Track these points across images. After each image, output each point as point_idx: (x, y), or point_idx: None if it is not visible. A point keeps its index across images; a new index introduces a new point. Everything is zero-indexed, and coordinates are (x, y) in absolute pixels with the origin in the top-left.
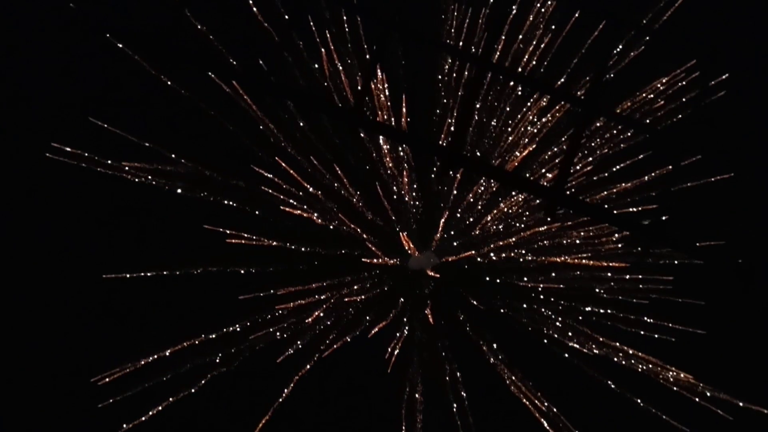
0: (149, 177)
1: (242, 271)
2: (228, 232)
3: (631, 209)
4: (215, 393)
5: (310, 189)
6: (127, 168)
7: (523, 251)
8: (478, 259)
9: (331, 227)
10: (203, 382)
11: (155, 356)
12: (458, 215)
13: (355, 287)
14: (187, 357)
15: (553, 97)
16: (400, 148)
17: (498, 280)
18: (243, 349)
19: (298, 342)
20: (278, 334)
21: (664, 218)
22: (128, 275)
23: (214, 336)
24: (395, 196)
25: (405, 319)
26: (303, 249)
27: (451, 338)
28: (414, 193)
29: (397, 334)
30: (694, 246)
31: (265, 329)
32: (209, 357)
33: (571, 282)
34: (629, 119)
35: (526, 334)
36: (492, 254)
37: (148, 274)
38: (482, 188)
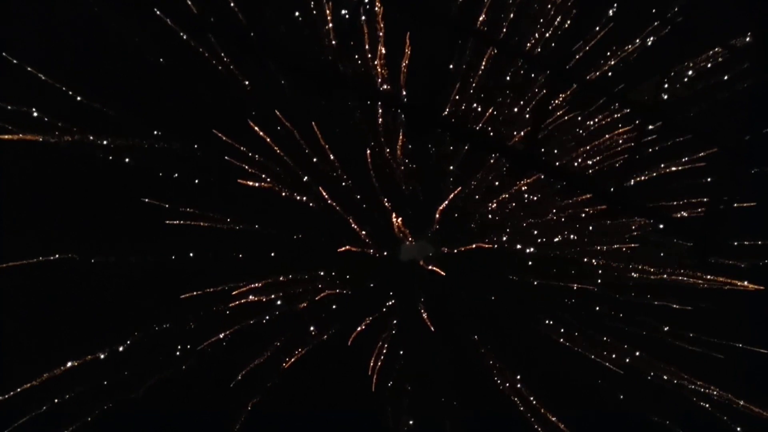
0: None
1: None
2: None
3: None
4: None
5: (286, 159)
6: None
7: (537, 242)
8: (481, 249)
9: (305, 200)
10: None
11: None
12: (459, 203)
13: (336, 280)
14: (114, 365)
15: (523, 61)
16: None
17: (513, 277)
18: (187, 355)
19: (262, 355)
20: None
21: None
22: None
23: (148, 338)
24: (388, 170)
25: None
26: (271, 231)
27: (445, 338)
28: (410, 175)
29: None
30: (656, 211)
31: (217, 334)
32: (143, 367)
33: (590, 281)
34: (601, 87)
35: (533, 338)
36: (497, 245)
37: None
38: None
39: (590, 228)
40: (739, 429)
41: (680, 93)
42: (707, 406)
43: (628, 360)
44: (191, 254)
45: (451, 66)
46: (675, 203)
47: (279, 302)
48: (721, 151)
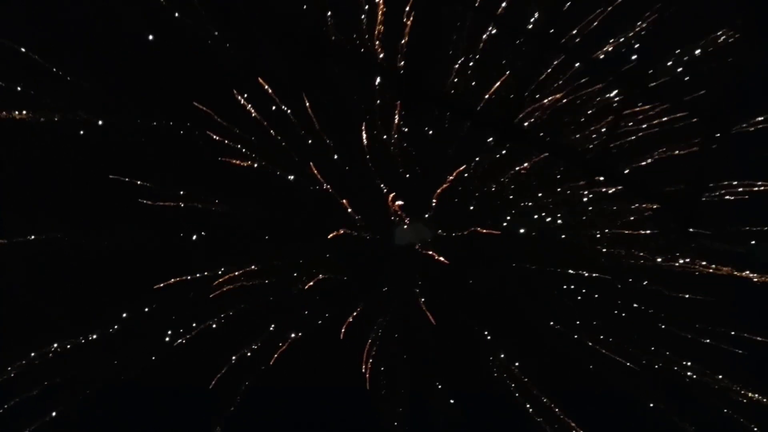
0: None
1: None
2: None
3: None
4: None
5: (272, 132)
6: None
7: (536, 226)
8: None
9: (300, 181)
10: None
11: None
12: (458, 186)
13: (329, 264)
14: (105, 347)
15: (501, 28)
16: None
17: (513, 264)
18: (177, 339)
19: (254, 340)
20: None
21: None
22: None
23: (139, 320)
24: (384, 151)
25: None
26: (262, 214)
27: (441, 323)
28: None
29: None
30: (636, 182)
31: (207, 319)
32: (134, 349)
33: (589, 266)
34: (582, 55)
35: (531, 324)
36: (495, 229)
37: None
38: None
39: (590, 212)
40: (735, 416)
41: (679, 75)
42: (704, 392)
43: (626, 346)
44: (180, 237)
45: (450, 49)
46: (674, 188)
47: (270, 287)
48: (701, 123)
